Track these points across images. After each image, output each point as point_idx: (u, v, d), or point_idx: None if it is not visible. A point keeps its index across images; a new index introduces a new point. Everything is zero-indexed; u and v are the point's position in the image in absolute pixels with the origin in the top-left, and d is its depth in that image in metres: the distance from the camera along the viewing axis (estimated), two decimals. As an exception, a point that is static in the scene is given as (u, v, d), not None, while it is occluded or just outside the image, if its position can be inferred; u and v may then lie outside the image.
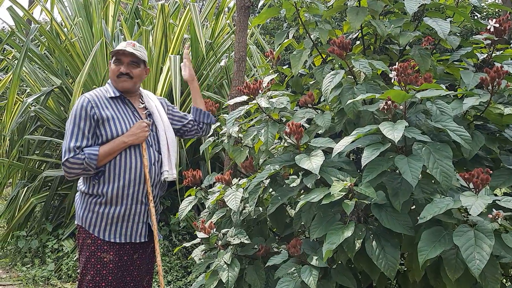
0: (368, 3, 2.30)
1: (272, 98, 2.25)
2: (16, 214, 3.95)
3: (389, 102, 1.58)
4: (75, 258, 3.55)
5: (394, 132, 1.50)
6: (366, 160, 1.58)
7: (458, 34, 2.26)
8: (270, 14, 2.38)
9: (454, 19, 2.39)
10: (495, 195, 2.04)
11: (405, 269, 2.00)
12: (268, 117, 2.21)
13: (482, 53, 2.27)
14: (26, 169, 4.21)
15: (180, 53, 3.98)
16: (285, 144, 2.05)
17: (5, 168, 4.01)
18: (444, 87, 1.83)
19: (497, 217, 1.47)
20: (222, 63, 3.87)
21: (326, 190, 1.72)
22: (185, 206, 2.53)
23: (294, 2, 2.26)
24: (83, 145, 1.94)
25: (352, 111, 1.88)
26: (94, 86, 4.00)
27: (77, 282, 2.07)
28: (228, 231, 2.22)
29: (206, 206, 2.38)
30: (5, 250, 4.15)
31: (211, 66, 4.04)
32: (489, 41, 2.12)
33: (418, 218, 1.54)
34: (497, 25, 2.02)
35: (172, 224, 3.83)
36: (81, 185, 2.04)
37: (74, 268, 3.52)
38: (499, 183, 1.86)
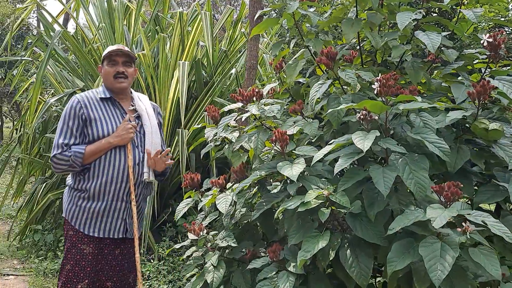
0: (368, 16, 2.33)
1: (266, 105, 2.31)
2: (34, 209, 4.14)
3: (364, 112, 1.60)
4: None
5: (364, 141, 1.52)
6: (339, 167, 1.61)
7: (455, 48, 2.24)
8: (269, 24, 2.43)
9: (457, 32, 2.37)
10: (481, 209, 2.03)
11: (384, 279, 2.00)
12: (261, 124, 2.26)
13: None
14: (45, 166, 4.41)
15: (195, 59, 4.09)
16: (272, 152, 2.10)
17: (26, 164, 4.22)
18: (421, 99, 1.84)
19: (466, 230, 1.46)
20: (233, 71, 3.96)
21: (303, 198, 1.75)
22: (182, 207, 2.60)
23: (292, 12, 2.31)
24: (71, 142, 2.07)
25: (336, 121, 1.91)
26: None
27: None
28: (217, 233, 2.28)
29: (198, 209, 2.45)
30: (23, 243, 4.35)
31: (225, 73, 4.13)
32: (484, 56, 2.11)
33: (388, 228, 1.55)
34: (490, 39, 2.01)
35: (179, 226, 3.92)
36: (69, 179, 2.17)
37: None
38: (484, 199, 1.84)
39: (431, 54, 2.34)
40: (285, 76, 2.78)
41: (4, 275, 3.63)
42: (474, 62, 2.26)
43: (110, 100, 2.20)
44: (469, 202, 2.06)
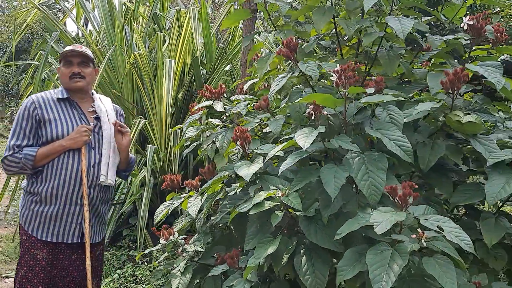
0: (346, 3, 2.18)
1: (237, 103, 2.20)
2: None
3: (311, 106, 1.46)
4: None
5: (306, 139, 1.39)
6: (284, 167, 1.48)
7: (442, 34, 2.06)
8: (240, 16, 2.31)
9: (434, 14, 2.18)
10: (475, 209, 1.83)
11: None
12: (230, 121, 2.15)
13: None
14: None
15: (194, 57, 4.01)
16: (237, 151, 1.98)
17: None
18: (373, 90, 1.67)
19: (420, 237, 1.30)
20: (227, 67, 3.85)
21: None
22: (161, 210, 2.52)
23: (264, 2, 2.18)
24: (23, 144, 2.03)
25: (299, 116, 1.77)
26: (113, 91, 4.14)
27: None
28: (186, 237, 2.19)
29: (169, 212, 2.36)
30: (30, 244, 4.39)
31: (222, 70, 4.04)
32: (468, 41, 1.91)
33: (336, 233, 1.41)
34: (471, 22, 1.82)
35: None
36: (23, 183, 2.11)
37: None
38: (461, 199, 1.66)
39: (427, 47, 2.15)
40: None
41: (3, 277, 3.67)
42: (472, 50, 2.06)
43: (68, 100, 2.14)
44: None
